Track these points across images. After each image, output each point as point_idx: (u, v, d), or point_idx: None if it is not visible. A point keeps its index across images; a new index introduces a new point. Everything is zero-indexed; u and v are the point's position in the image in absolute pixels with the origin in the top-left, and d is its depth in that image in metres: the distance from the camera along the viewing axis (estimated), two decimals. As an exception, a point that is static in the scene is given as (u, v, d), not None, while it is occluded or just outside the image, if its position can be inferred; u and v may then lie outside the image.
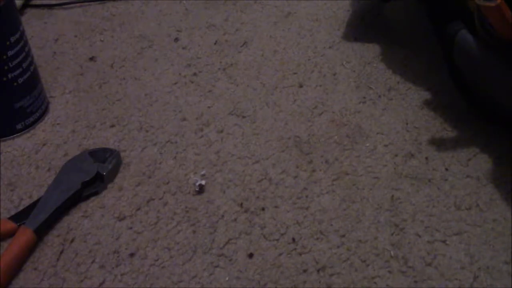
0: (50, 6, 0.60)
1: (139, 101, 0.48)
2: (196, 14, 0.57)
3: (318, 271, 0.36)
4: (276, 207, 0.39)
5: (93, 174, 0.40)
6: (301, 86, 0.49)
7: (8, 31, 0.41)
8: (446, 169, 0.41)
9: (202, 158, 0.43)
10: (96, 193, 0.40)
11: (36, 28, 0.57)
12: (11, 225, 0.37)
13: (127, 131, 0.45)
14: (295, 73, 0.50)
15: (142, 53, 0.53)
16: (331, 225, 0.38)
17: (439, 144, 0.43)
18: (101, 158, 0.41)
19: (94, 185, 0.40)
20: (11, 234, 0.36)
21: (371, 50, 0.52)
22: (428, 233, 0.37)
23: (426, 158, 0.42)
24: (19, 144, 0.44)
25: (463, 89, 0.45)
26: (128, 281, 0.35)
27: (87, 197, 0.40)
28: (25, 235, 0.36)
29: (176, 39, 0.55)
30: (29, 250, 0.36)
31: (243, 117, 0.46)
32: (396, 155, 0.43)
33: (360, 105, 0.47)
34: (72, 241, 0.37)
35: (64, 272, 0.35)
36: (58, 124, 0.46)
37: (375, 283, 0.35)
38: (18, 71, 0.42)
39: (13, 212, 0.38)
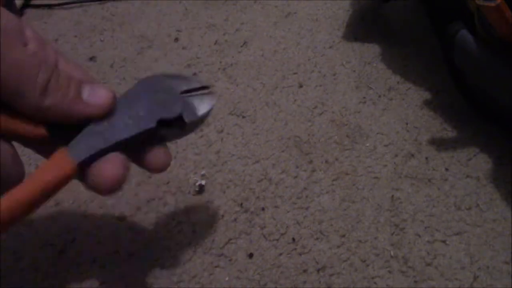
0: (50, 6, 0.60)
1: (139, 101, 0.48)
2: (196, 14, 0.57)
3: (318, 271, 0.36)
4: (276, 207, 0.39)
5: (176, 113, 0.28)
6: (301, 86, 0.49)
7: (8, 31, 0.41)
8: (446, 169, 0.41)
9: (202, 158, 0.43)
10: (168, 139, 0.30)
11: (36, 28, 0.57)
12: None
13: (127, 131, 0.45)
14: (295, 73, 0.50)
15: (142, 53, 0.53)
16: (331, 225, 0.38)
17: (439, 144, 0.43)
18: (190, 91, 0.29)
19: (172, 128, 0.29)
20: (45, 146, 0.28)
21: (371, 50, 0.52)
22: (428, 233, 0.37)
23: (426, 158, 0.42)
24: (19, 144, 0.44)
25: (463, 89, 0.45)
26: (128, 281, 0.35)
27: (160, 140, 0.29)
28: (65, 166, 0.25)
29: (176, 39, 0.55)
30: (63, 186, 0.26)
31: (243, 117, 0.46)
32: (396, 155, 0.43)
33: (360, 105, 0.47)
34: (72, 241, 0.37)
35: (64, 272, 0.35)
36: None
37: (375, 283, 0.35)
38: (18, 71, 0.42)
39: (13, 212, 0.38)
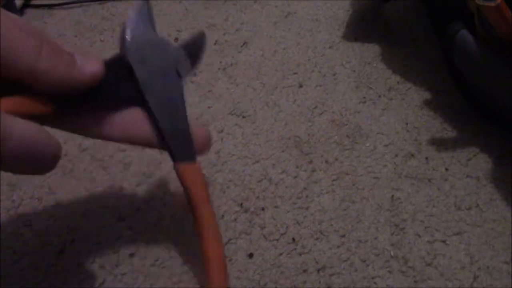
0: (50, 6, 0.60)
1: (139, 101, 0.48)
2: (196, 14, 0.57)
3: (318, 271, 0.36)
4: (276, 207, 0.39)
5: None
6: (301, 86, 0.49)
7: (8, 31, 0.41)
8: (446, 169, 0.41)
9: (202, 158, 0.43)
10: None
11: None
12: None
13: (127, 131, 0.45)
14: (295, 73, 0.50)
15: (142, 53, 0.53)
16: (331, 225, 0.38)
17: (439, 144, 0.43)
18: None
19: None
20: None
21: (371, 50, 0.52)
22: (428, 233, 0.37)
23: (426, 158, 0.42)
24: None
25: (463, 89, 0.45)
26: (128, 281, 0.35)
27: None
28: (198, 173, 0.30)
29: (176, 39, 0.55)
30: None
31: (243, 117, 0.46)
32: (396, 155, 0.43)
33: (360, 105, 0.47)
34: (72, 241, 0.37)
35: (64, 272, 0.35)
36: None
37: (375, 283, 0.35)
38: (18, 71, 0.42)
39: (12, 212, 0.38)
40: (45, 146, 0.25)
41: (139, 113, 0.29)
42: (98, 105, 0.28)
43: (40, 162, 0.25)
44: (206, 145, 0.32)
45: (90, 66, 0.27)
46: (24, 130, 0.24)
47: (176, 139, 0.30)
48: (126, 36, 0.29)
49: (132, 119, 0.29)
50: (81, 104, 0.27)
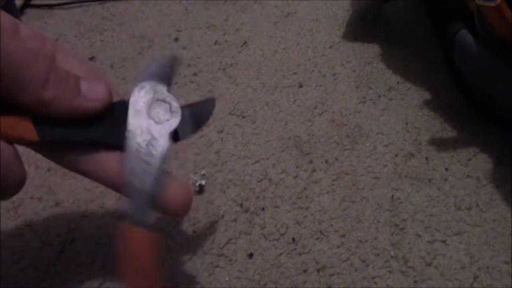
0: (50, 6, 0.60)
1: (139, 101, 0.48)
2: (196, 14, 0.57)
3: (318, 271, 0.36)
4: (276, 207, 0.39)
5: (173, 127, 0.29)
6: (301, 86, 0.49)
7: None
8: (446, 169, 0.41)
9: (202, 158, 0.43)
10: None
11: (36, 28, 0.57)
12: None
13: (127, 131, 0.45)
14: (295, 73, 0.50)
15: (142, 53, 0.53)
16: (331, 225, 0.38)
17: (439, 144, 0.43)
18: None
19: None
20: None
21: (371, 50, 0.52)
22: (428, 233, 0.37)
23: (426, 158, 0.42)
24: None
25: (463, 89, 0.45)
26: (128, 281, 0.35)
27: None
28: (143, 242, 0.28)
29: (176, 39, 0.55)
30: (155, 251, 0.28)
31: (243, 117, 0.46)
32: (396, 155, 0.43)
33: (360, 105, 0.47)
34: (72, 241, 0.37)
35: (64, 272, 0.35)
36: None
37: (375, 283, 0.35)
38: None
39: (12, 212, 0.38)
40: (13, 171, 0.25)
41: (118, 157, 0.28)
42: (85, 141, 0.27)
43: (4, 185, 0.25)
44: (181, 211, 0.30)
45: (95, 93, 0.26)
46: None
47: (137, 199, 0.28)
48: (136, 87, 0.28)
49: (110, 161, 0.28)
50: (68, 138, 0.27)
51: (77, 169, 0.28)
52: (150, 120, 0.28)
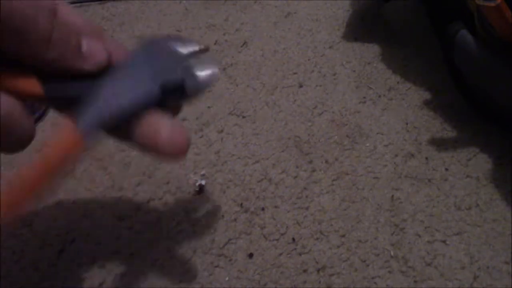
0: (50, 6, 0.60)
1: (139, 101, 0.48)
2: (196, 14, 0.57)
3: (318, 271, 0.36)
4: (276, 207, 0.39)
5: (177, 79, 0.27)
6: (301, 86, 0.49)
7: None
8: (446, 169, 0.41)
9: (202, 158, 0.43)
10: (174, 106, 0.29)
11: None
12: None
13: (127, 131, 0.45)
14: (295, 73, 0.50)
15: (142, 53, 0.53)
16: (331, 225, 0.38)
17: (439, 144, 0.43)
18: (190, 55, 0.28)
19: (175, 93, 0.27)
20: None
21: (371, 50, 0.52)
22: (428, 233, 0.37)
23: (426, 158, 0.42)
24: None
25: (463, 89, 0.45)
26: (128, 281, 0.35)
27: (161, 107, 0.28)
28: (73, 143, 0.26)
29: (176, 39, 0.55)
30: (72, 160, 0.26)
31: (243, 117, 0.46)
32: (396, 155, 0.43)
33: (360, 105, 0.47)
34: (72, 241, 0.37)
35: (64, 272, 0.35)
36: (58, 124, 0.46)
37: (375, 283, 0.35)
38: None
39: (13, 212, 0.38)
40: (18, 123, 0.25)
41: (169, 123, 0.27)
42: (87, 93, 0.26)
43: (11, 138, 0.25)
44: (177, 150, 0.27)
45: (95, 54, 0.26)
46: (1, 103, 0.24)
47: (108, 106, 0.26)
48: (143, 40, 0.28)
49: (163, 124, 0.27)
50: (73, 94, 0.26)
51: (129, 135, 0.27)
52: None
